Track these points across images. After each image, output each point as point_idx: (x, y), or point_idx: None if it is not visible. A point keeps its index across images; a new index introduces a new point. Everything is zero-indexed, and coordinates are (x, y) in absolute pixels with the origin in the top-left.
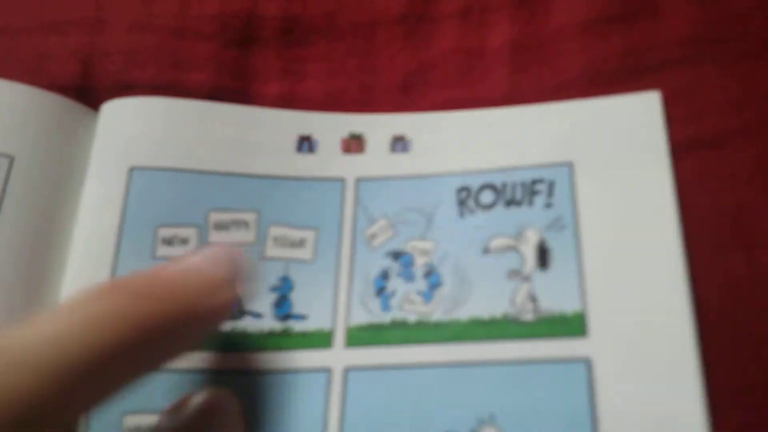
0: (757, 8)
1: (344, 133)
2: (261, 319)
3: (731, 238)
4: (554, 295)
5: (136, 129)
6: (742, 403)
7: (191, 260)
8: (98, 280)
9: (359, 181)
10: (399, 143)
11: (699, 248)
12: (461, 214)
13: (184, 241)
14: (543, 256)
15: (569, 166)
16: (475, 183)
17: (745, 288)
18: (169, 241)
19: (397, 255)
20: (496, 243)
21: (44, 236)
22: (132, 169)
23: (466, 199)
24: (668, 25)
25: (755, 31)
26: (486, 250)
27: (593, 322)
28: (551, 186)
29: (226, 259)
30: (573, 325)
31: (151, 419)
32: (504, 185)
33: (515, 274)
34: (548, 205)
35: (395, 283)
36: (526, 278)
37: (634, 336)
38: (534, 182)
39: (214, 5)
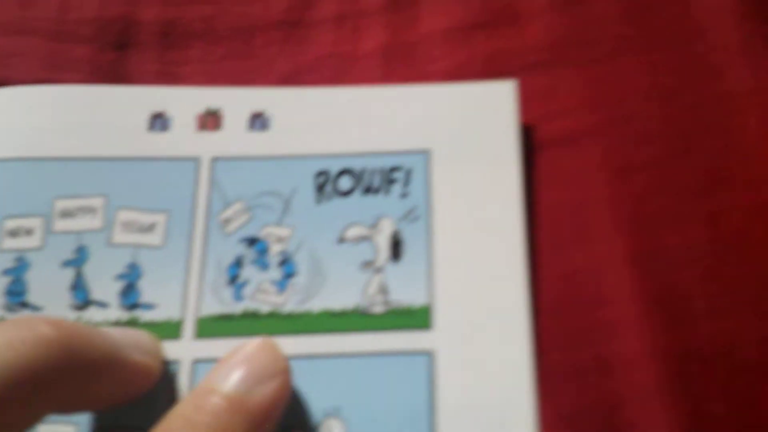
0: (610, 15)
1: (200, 108)
2: (107, 309)
3: (572, 232)
4: (404, 287)
5: None
6: (573, 389)
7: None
8: None
9: (215, 160)
10: (258, 120)
11: (544, 242)
12: (318, 201)
13: (29, 232)
14: (396, 248)
15: (426, 153)
16: (334, 167)
17: (580, 280)
18: (14, 233)
19: (252, 241)
20: (352, 232)
21: None
22: None
23: (324, 184)
24: (528, 32)
25: (610, 35)
26: (341, 239)
27: (437, 315)
28: (408, 174)
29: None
30: (419, 318)
31: None
32: (363, 171)
33: (368, 265)
34: (404, 195)
35: (249, 272)
36: (379, 270)
37: (474, 329)
38: (392, 170)
39: (92, 10)
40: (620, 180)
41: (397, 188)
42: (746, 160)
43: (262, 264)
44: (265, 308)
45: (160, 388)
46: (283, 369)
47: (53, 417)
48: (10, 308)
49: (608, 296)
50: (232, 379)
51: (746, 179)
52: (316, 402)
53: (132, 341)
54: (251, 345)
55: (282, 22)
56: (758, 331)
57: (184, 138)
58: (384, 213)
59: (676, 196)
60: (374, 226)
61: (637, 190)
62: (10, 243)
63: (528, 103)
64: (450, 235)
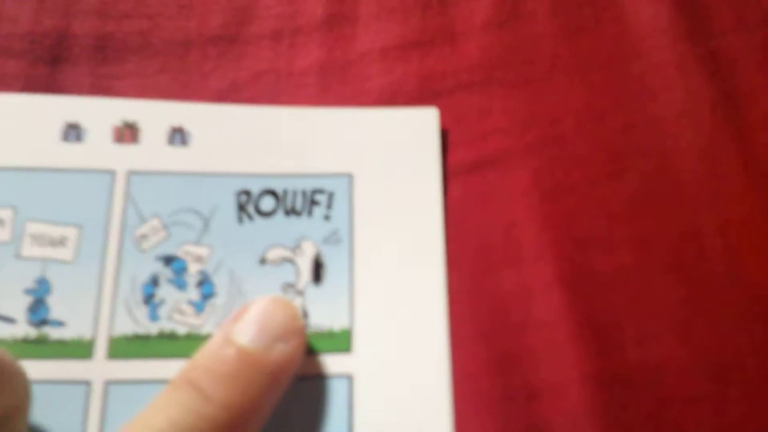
0: (545, 34)
1: (117, 120)
2: (13, 324)
3: (503, 254)
4: (325, 311)
5: None
6: (501, 415)
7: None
8: None
9: (131, 174)
10: (177, 135)
11: (473, 262)
12: (240, 220)
13: None
14: (317, 271)
15: (349, 177)
16: (255, 187)
17: (511, 302)
18: None
19: (168, 260)
20: (273, 254)
21: None
22: None
23: (245, 203)
24: (462, 51)
25: (542, 56)
26: (263, 261)
27: (357, 338)
28: (331, 197)
29: None
30: (339, 342)
31: None
32: (285, 192)
33: (289, 287)
34: (327, 217)
35: (165, 291)
36: (300, 292)
37: (394, 353)
38: (314, 192)
39: (25, 24)
40: (550, 201)
41: (319, 210)
42: (677, 183)
43: (180, 283)
44: (182, 329)
45: (70, 410)
46: (300, 328)
47: None
48: None
49: (537, 320)
50: (250, 335)
51: (676, 203)
52: None
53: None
54: (267, 301)
55: (218, 38)
56: (685, 360)
57: (99, 150)
58: (306, 235)
59: (606, 218)
60: (296, 248)
61: (567, 211)
62: None
63: (459, 122)
64: (371, 258)
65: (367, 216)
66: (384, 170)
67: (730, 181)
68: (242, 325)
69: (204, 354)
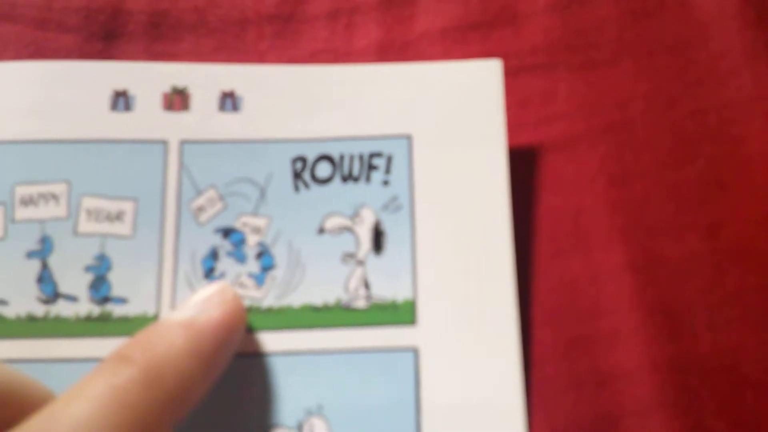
0: (610, 18)
1: (166, 86)
2: (76, 303)
3: (570, 239)
4: (387, 281)
5: None
6: (569, 401)
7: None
8: None
9: (184, 143)
10: (228, 100)
11: (540, 248)
12: (296, 188)
13: None
14: (378, 240)
15: (408, 138)
16: (311, 153)
17: (579, 288)
18: None
19: (227, 232)
20: (332, 223)
21: None
22: None
23: (301, 171)
24: (525, 33)
25: (607, 39)
26: (321, 230)
27: (421, 311)
28: (389, 161)
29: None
30: (403, 314)
31: None
32: (341, 157)
33: (350, 257)
34: (385, 183)
35: (225, 264)
36: (361, 262)
37: (460, 325)
38: (372, 155)
39: None
40: (618, 187)
41: (377, 175)
42: (747, 169)
43: (239, 256)
44: (245, 303)
45: None
46: (232, 297)
47: None
48: None
49: (607, 306)
50: (179, 309)
51: (747, 189)
52: (297, 400)
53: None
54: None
55: (274, 16)
56: (761, 347)
57: (149, 119)
58: (365, 202)
59: (676, 204)
60: (355, 216)
61: (636, 197)
62: None
63: (524, 106)
64: (434, 225)
65: (429, 180)
66: (445, 130)
67: None
68: (177, 307)
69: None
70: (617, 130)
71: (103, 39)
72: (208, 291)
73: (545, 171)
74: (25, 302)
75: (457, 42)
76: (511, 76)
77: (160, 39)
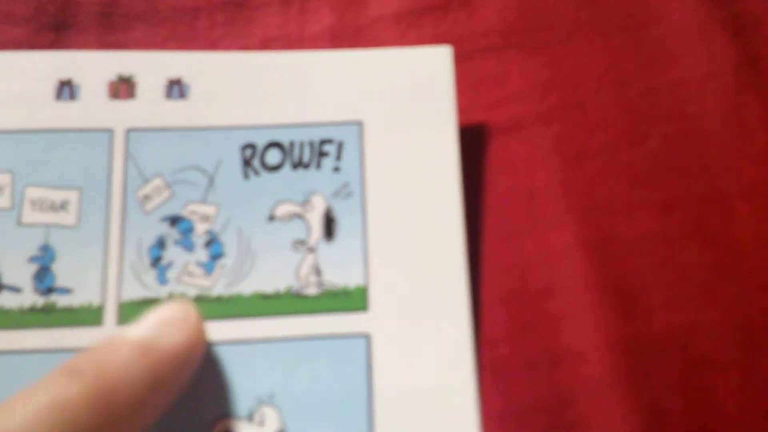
0: None
1: (111, 75)
2: (20, 294)
3: (523, 220)
4: (338, 268)
5: None
6: (522, 382)
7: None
8: None
9: (130, 132)
10: (175, 87)
11: (493, 229)
12: (246, 175)
13: None
14: (329, 226)
15: (358, 125)
16: (260, 140)
17: (532, 269)
18: None
19: (174, 220)
20: (282, 210)
21: None
22: None
23: (251, 158)
24: (479, 16)
25: (562, 20)
26: (271, 218)
27: (373, 296)
28: (340, 147)
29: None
30: (355, 300)
31: None
32: (292, 144)
33: (301, 244)
34: (336, 169)
35: (173, 253)
36: (312, 249)
37: (412, 311)
38: (322, 142)
39: None
40: (572, 167)
41: (328, 162)
42: (700, 147)
43: (187, 244)
44: (192, 291)
45: None
46: (195, 321)
47: None
48: None
49: (560, 286)
50: (138, 325)
51: (700, 167)
52: (248, 389)
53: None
54: (166, 304)
55: (226, 3)
56: (714, 324)
57: (95, 108)
58: (315, 189)
59: (629, 183)
60: (305, 202)
61: (589, 177)
62: None
63: (477, 88)
64: (385, 212)
65: (380, 166)
66: (396, 116)
67: (755, 143)
68: (134, 323)
69: (99, 345)
70: (570, 111)
71: (54, 30)
72: (171, 311)
73: (498, 152)
74: None
75: (411, 26)
76: (464, 58)
77: (111, 29)
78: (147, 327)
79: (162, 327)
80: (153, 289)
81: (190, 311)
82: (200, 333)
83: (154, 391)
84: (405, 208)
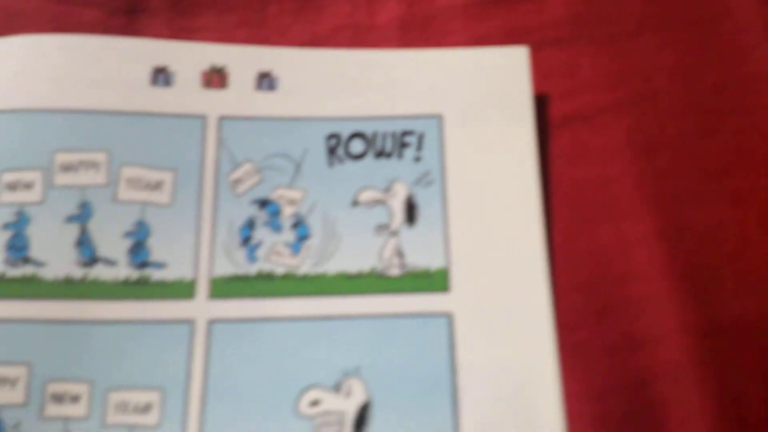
0: None
1: (204, 65)
2: (115, 267)
3: (599, 209)
4: (420, 250)
5: None
6: (602, 366)
7: None
8: None
9: (222, 119)
10: (265, 80)
11: (570, 219)
12: (330, 163)
13: (28, 186)
14: (411, 212)
15: (438, 118)
16: (345, 130)
17: (609, 256)
18: (12, 186)
19: (263, 203)
20: (365, 196)
21: None
22: None
23: (335, 147)
24: (548, 7)
25: (631, 12)
26: (355, 203)
27: (455, 278)
28: (421, 138)
29: None
30: (436, 281)
31: None
32: (374, 135)
33: (383, 228)
34: (417, 159)
35: (262, 233)
36: (394, 233)
37: (493, 291)
38: (404, 134)
39: None
40: (645, 157)
41: (410, 152)
42: None
43: (275, 226)
44: (279, 270)
45: (176, 346)
46: None
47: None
48: (12, 263)
49: (636, 272)
50: None
51: None
52: (334, 361)
53: None
54: None
55: None
56: None
57: (188, 95)
58: (397, 177)
59: (701, 174)
60: (388, 189)
61: (662, 168)
62: (9, 197)
63: (547, 78)
64: (465, 198)
65: (459, 156)
66: (474, 109)
67: None
68: None
69: None
70: (641, 102)
71: (126, 14)
72: None
73: (570, 143)
74: (64, 265)
75: (479, 17)
76: (534, 49)
77: (181, 14)
78: None
79: None
80: (243, 267)
81: None
82: None
83: None
84: (484, 196)
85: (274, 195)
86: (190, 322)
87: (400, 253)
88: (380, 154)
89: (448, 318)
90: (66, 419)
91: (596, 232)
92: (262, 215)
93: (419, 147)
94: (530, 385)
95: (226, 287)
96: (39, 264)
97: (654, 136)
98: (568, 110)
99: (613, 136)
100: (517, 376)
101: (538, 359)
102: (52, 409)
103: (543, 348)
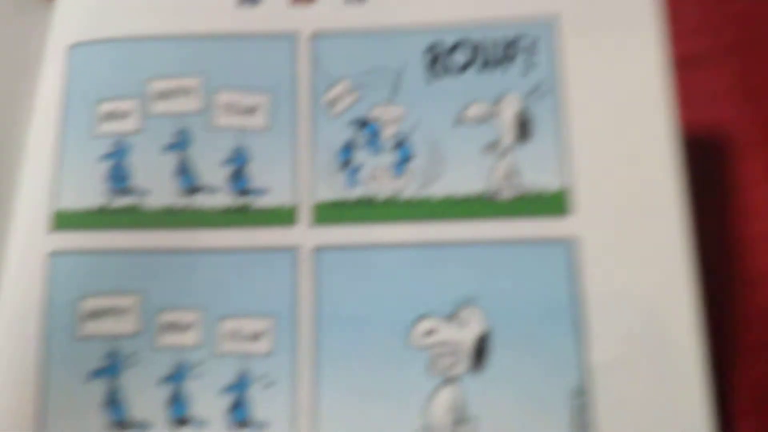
0: None
1: None
2: (216, 194)
3: (710, 150)
4: (535, 170)
5: (72, 4)
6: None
7: None
8: (47, 154)
9: (314, 36)
10: None
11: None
12: (431, 78)
13: (125, 115)
14: (523, 128)
15: (554, 20)
16: (446, 40)
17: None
18: (109, 116)
19: (362, 123)
20: (472, 112)
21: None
22: (71, 47)
23: (436, 59)
24: None
25: None
26: (460, 120)
27: (577, 200)
28: (533, 45)
29: None
30: (554, 204)
31: None
32: (480, 43)
33: (492, 147)
34: (529, 68)
35: (362, 156)
36: (505, 152)
37: (620, 215)
38: (514, 40)
39: None
40: (753, 102)
41: (520, 61)
42: None
43: (375, 147)
44: (382, 194)
45: (281, 274)
46: None
47: (179, 301)
48: (114, 193)
49: (756, 210)
50: None
51: None
52: (447, 290)
53: None
54: None
55: None
56: None
57: (276, 12)
58: (507, 89)
59: None
60: (496, 104)
61: None
62: (108, 127)
63: None
64: (586, 111)
65: (577, 64)
66: (593, 10)
67: None
68: None
69: None
70: (747, 48)
71: None
72: None
73: (677, 88)
74: (166, 194)
75: None
76: None
77: None
78: None
79: None
80: (344, 191)
81: None
82: None
83: None
84: (607, 108)
85: (373, 114)
86: (294, 249)
87: (512, 174)
88: (486, 64)
89: (570, 242)
90: (179, 348)
91: (708, 169)
92: (360, 136)
93: (531, 54)
94: (666, 317)
95: (327, 213)
96: (141, 194)
97: (762, 81)
98: (671, 56)
99: (719, 80)
100: (650, 307)
101: (676, 288)
102: (166, 338)
103: (680, 275)
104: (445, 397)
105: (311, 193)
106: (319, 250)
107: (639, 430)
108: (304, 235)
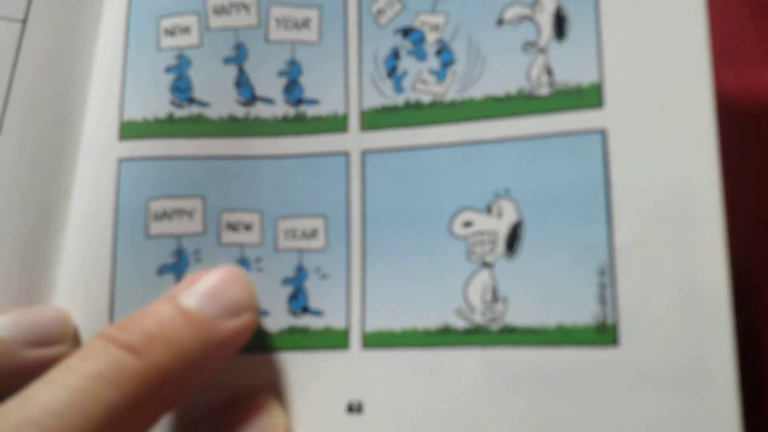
0: None
1: None
2: (273, 105)
3: (721, 61)
4: (571, 66)
5: None
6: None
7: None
8: (115, 68)
9: None
10: None
11: None
12: None
13: (185, 30)
14: (560, 26)
15: None
16: None
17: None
18: (171, 31)
19: (406, 32)
20: (511, 12)
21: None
22: None
23: None
24: None
25: None
26: (500, 21)
27: (610, 93)
28: None
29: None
30: (589, 97)
31: None
32: None
33: (531, 46)
34: None
35: (407, 63)
36: (542, 50)
37: (652, 105)
38: None
39: None
40: (763, 17)
41: None
42: None
43: (420, 54)
44: (426, 98)
45: (334, 177)
46: (254, 305)
47: (240, 204)
48: (178, 104)
49: None
50: (198, 300)
51: None
52: (485, 184)
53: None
54: (223, 272)
55: None
56: None
57: None
58: None
59: None
60: (535, 3)
61: None
62: (169, 41)
63: None
64: (620, 10)
65: None
66: None
67: None
68: (192, 290)
69: (141, 312)
70: None
71: None
72: (240, 292)
73: None
74: (226, 104)
75: None
76: None
77: None
78: (213, 303)
79: (229, 306)
80: (390, 97)
81: (252, 296)
82: (255, 319)
83: (204, 377)
84: (642, 7)
85: (417, 22)
86: (345, 154)
87: (549, 71)
88: None
89: (602, 134)
90: (241, 245)
91: (720, 77)
92: (405, 44)
93: None
94: (691, 200)
95: (376, 119)
96: (203, 104)
97: None
98: None
99: None
100: (677, 192)
101: (701, 174)
102: (228, 236)
103: (706, 162)
104: (482, 279)
105: (360, 101)
106: (367, 153)
107: (661, 305)
108: (355, 140)
